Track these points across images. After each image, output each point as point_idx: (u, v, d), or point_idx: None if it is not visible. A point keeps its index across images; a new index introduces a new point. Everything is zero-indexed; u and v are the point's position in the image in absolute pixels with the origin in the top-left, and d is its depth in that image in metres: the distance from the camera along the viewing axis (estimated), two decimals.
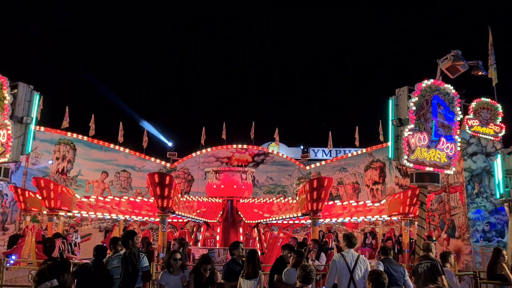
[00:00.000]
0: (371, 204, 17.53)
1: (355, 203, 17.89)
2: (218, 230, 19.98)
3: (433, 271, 7.40)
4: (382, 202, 17.21)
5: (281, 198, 18.83)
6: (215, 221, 19.96)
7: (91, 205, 16.49)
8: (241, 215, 20.17)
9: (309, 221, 16.50)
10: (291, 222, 19.82)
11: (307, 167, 27.92)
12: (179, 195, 16.10)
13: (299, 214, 16.29)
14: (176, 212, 15.60)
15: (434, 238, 16.89)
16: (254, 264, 7.21)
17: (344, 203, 18.14)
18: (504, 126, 17.59)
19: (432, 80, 10.47)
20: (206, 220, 19.50)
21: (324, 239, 16.45)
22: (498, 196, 13.20)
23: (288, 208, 17.56)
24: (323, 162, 28.34)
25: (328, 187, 15.46)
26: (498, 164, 13.20)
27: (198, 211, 18.63)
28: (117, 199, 17.52)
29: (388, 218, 17.02)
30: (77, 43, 48.41)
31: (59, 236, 14.50)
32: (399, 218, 16.25)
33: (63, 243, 14.73)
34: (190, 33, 54.31)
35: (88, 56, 48.45)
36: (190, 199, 18.06)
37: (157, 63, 54.31)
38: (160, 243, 13.96)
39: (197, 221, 19.31)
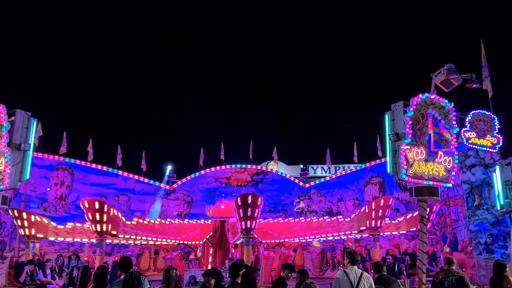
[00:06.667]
0: (342, 219, 17.61)
1: (329, 219, 18.10)
2: (211, 252, 19.99)
3: (462, 285, 7.28)
4: (352, 216, 17.25)
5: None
6: (200, 242, 20.13)
7: (69, 231, 17.48)
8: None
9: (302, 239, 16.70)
10: (285, 240, 19.99)
11: (307, 185, 27.85)
12: (123, 219, 17.30)
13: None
14: (120, 236, 16.88)
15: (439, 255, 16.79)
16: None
17: (319, 219, 18.42)
18: (501, 138, 17.63)
19: (426, 95, 10.56)
20: (185, 242, 19.66)
21: None
22: (498, 207, 13.16)
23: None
24: (322, 179, 28.29)
25: (260, 205, 15.74)
26: (497, 176, 13.19)
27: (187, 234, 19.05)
28: None
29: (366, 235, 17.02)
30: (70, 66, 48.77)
31: (31, 263, 15.07)
32: (369, 233, 16.35)
33: (38, 268, 15.36)
34: (187, 49, 54.79)
35: (82, 81, 48.77)
36: (146, 222, 18.69)
37: (152, 83, 54.68)
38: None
39: (164, 243, 19.90)
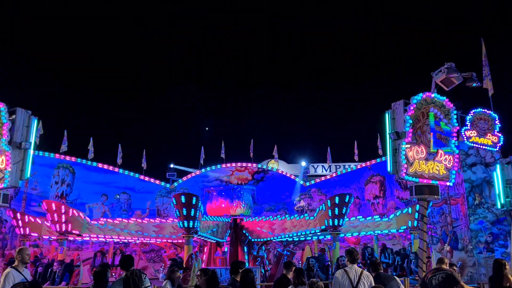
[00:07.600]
0: (308, 218, 17.63)
1: (298, 218, 18.26)
2: (205, 250, 20.10)
3: (450, 281, 7.29)
4: (315, 215, 17.27)
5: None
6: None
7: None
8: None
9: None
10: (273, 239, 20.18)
11: (307, 183, 27.81)
12: (87, 219, 18.08)
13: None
14: (84, 235, 17.74)
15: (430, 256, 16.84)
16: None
17: (291, 217, 18.64)
18: (501, 136, 17.60)
19: (425, 93, 10.55)
20: (170, 241, 19.80)
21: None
22: (499, 206, 13.16)
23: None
24: (323, 178, 28.25)
25: (196, 205, 15.72)
26: (497, 174, 13.19)
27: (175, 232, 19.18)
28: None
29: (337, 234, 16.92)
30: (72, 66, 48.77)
31: None
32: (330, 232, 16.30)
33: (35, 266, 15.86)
34: (187, 49, 54.78)
35: (83, 81, 48.78)
36: (118, 221, 19.39)
37: (153, 82, 54.68)
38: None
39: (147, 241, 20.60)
